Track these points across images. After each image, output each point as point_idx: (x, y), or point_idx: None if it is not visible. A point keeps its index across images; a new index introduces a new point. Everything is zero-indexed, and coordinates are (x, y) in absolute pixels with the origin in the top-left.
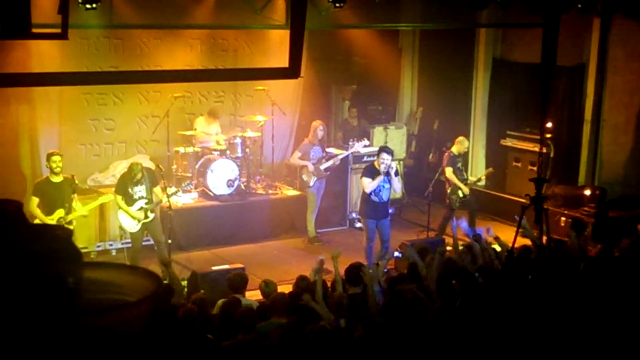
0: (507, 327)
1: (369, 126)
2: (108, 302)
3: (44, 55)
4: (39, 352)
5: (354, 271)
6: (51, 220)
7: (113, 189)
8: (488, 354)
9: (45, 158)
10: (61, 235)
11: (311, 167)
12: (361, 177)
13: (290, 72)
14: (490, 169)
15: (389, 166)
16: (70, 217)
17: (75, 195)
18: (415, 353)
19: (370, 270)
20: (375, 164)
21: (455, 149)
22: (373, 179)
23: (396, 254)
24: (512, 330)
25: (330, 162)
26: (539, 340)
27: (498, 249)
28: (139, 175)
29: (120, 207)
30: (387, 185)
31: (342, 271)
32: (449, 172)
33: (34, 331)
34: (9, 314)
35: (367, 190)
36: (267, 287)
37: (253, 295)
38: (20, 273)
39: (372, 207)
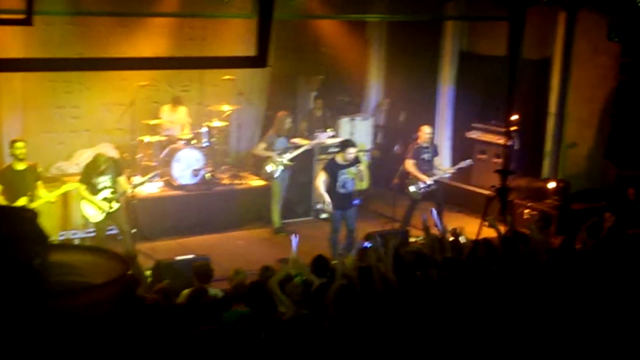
0: (468, 319)
1: (336, 117)
2: (74, 284)
3: (7, 41)
4: (7, 332)
5: (320, 263)
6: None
7: (78, 179)
8: (449, 344)
9: (9, 145)
10: (27, 218)
11: (275, 158)
12: (321, 171)
13: (258, 60)
14: (469, 161)
15: (355, 158)
16: (34, 204)
17: (40, 182)
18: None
19: (335, 262)
20: (339, 157)
21: (420, 139)
22: (335, 174)
23: (365, 243)
24: (474, 322)
25: (294, 153)
26: (501, 331)
27: (463, 240)
28: (104, 166)
29: (84, 197)
30: (351, 176)
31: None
32: (408, 164)
33: (1, 312)
34: None
35: (319, 188)
36: (236, 276)
37: (219, 285)
38: None
39: (338, 198)
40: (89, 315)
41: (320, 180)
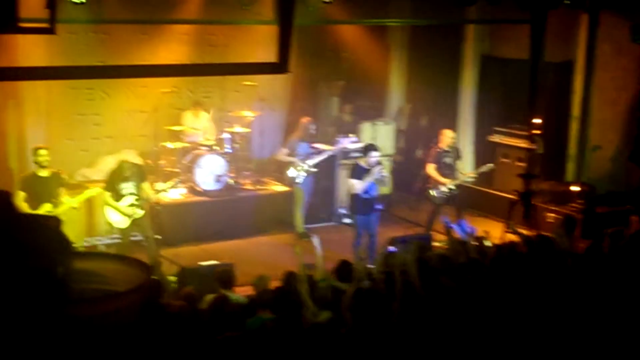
0: (494, 323)
1: (358, 122)
2: (98, 292)
3: (30, 50)
4: (29, 340)
5: (344, 269)
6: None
7: (102, 185)
8: (475, 349)
9: (32, 153)
10: (51, 225)
11: (298, 163)
12: (349, 178)
13: (279, 67)
14: (491, 165)
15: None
16: (57, 211)
17: (63, 189)
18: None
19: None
20: (362, 162)
21: (443, 144)
22: (361, 178)
23: (391, 248)
24: (499, 326)
25: (317, 159)
26: (526, 336)
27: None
28: (128, 172)
29: (109, 204)
30: (375, 181)
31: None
32: (429, 168)
33: (23, 320)
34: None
35: (358, 192)
36: (260, 281)
37: (243, 291)
38: (10, 262)
39: (362, 203)
40: (112, 322)
41: (356, 186)
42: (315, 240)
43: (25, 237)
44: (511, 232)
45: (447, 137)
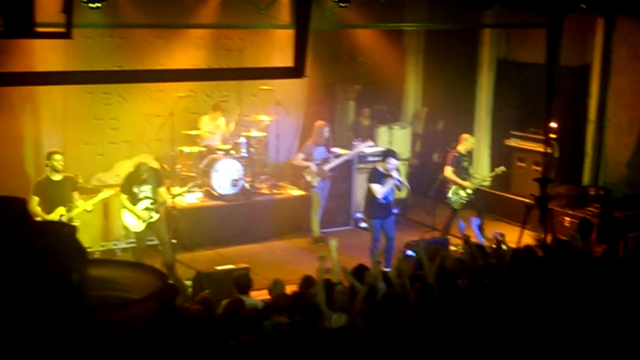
0: (511, 326)
1: (374, 126)
2: (112, 299)
3: (47, 54)
4: (45, 347)
5: (361, 272)
6: (52, 218)
7: (118, 188)
8: (493, 353)
9: (46, 157)
10: (66, 232)
11: (314, 168)
12: (369, 183)
13: (295, 71)
14: (502, 168)
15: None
16: (71, 214)
17: (77, 193)
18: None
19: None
20: (380, 166)
21: (462, 148)
22: (380, 183)
23: (408, 252)
24: (516, 330)
25: (334, 163)
26: (542, 339)
27: (504, 248)
28: (145, 175)
29: (125, 207)
30: (397, 182)
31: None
32: (448, 171)
33: (39, 327)
34: (15, 310)
35: (379, 197)
36: (275, 286)
37: (259, 295)
38: (25, 270)
39: (380, 207)
40: (128, 329)
41: (379, 191)
42: (332, 244)
43: (40, 244)
44: (538, 243)
45: (468, 141)
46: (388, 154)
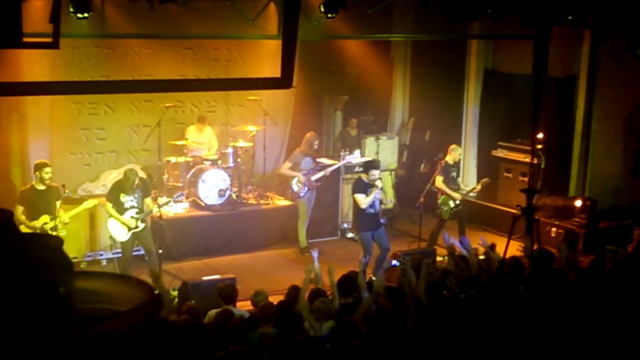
0: (496, 337)
1: (362, 136)
2: (99, 311)
3: (34, 64)
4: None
5: (348, 282)
6: (36, 224)
7: (103, 198)
8: None
9: (34, 168)
10: (52, 245)
11: (302, 178)
12: (353, 194)
13: (282, 82)
14: (487, 179)
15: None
16: (55, 223)
17: (60, 202)
18: None
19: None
20: (364, 177)
21: (449, 158)
22: (366, 193)
23: (394, 262)
24: (501, 340)
25: (321, 173)
26: (528, 349)
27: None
28: (136, 180)
29: (110, 215)
30: (378, 195)
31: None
32: (438, 181)
33: (25, 341)
34: (2, 323)
35: (364, 207)
36: (256, 297)
37: (244, 306)
38: (10, 282)
39: (368, 219)
40: (115, 341)
41: (363, 201)
42: (314, 254)
43: (27, 256)
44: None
45: (455, 152)
46: (369, 165)
